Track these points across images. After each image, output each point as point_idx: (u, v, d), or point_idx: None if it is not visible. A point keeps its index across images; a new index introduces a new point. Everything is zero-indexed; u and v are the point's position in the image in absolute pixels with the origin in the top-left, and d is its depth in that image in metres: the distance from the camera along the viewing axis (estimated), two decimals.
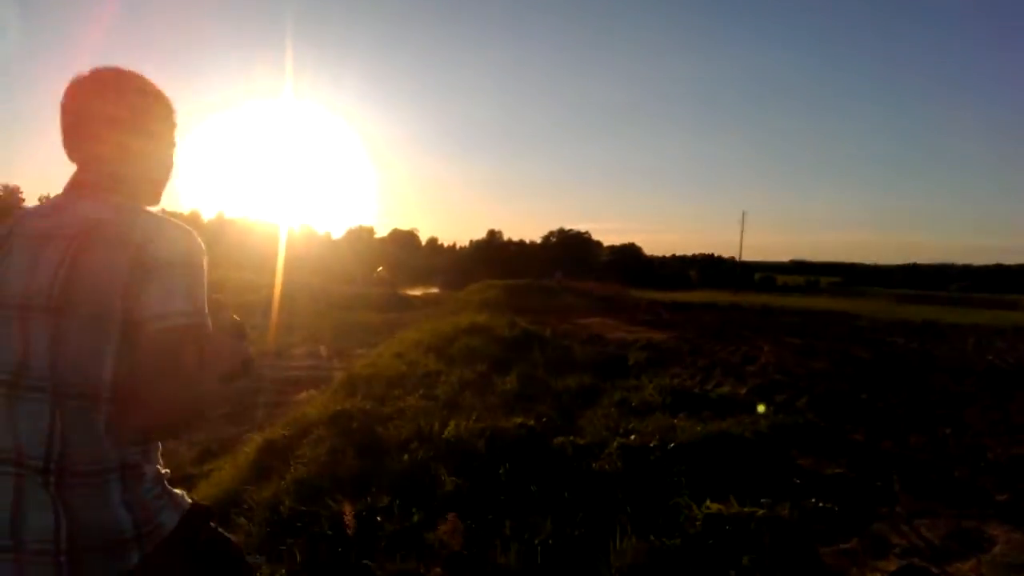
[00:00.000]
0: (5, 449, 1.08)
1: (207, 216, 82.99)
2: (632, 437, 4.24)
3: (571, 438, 4.35)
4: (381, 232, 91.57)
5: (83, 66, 1.26)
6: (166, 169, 1.36)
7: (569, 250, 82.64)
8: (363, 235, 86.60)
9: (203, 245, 1.23)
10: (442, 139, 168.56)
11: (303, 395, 8.17)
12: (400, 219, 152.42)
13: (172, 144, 1.36)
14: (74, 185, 1.23)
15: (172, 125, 1.35)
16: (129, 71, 1.28)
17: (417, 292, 37.13)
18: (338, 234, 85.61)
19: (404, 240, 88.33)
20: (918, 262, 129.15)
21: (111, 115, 1.23)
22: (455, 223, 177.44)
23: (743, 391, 6.41)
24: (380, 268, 49.48)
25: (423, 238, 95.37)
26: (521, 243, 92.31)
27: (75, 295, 1.09)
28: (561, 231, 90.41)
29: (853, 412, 5.55)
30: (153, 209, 1.26)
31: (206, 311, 1.17)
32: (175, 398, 1.12)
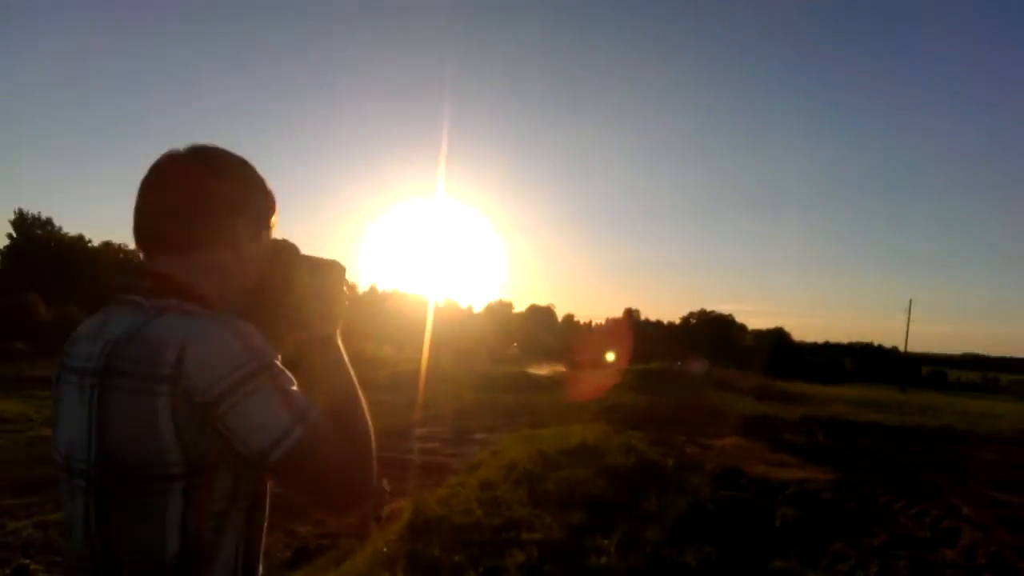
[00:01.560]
0: None
1: (362, 287, 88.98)
2: None
3: None
4: (520, 307, 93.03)
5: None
6: (240, 271, 1.06)
7: (710, 333, 79.02)
8: (502, 309, 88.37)
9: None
10: (583, 215, 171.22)
11: (393, 505, 7.86)
12: (538, 295, 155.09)
13: (254, 241, 1.07)
14: (116, 288, 1.02)
15: (257, 220, 1.08)
16: (223, 152, 1.06)
17: (544, 371, 36.67)
18: (479, 307, 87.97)
19: (541, 316, 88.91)
20: None
21: (179, 198, 1.01)
22: (592, 300, 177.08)
23: None
24: (515, 344, 50.01)
25: (559, 314, 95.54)
26: (659, 323, 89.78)
27: (112, 455, 0.89)
28: (702, 312, 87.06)
29: None
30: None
31: (306, 401, 0.94)
32: (339, 480, 0.97)
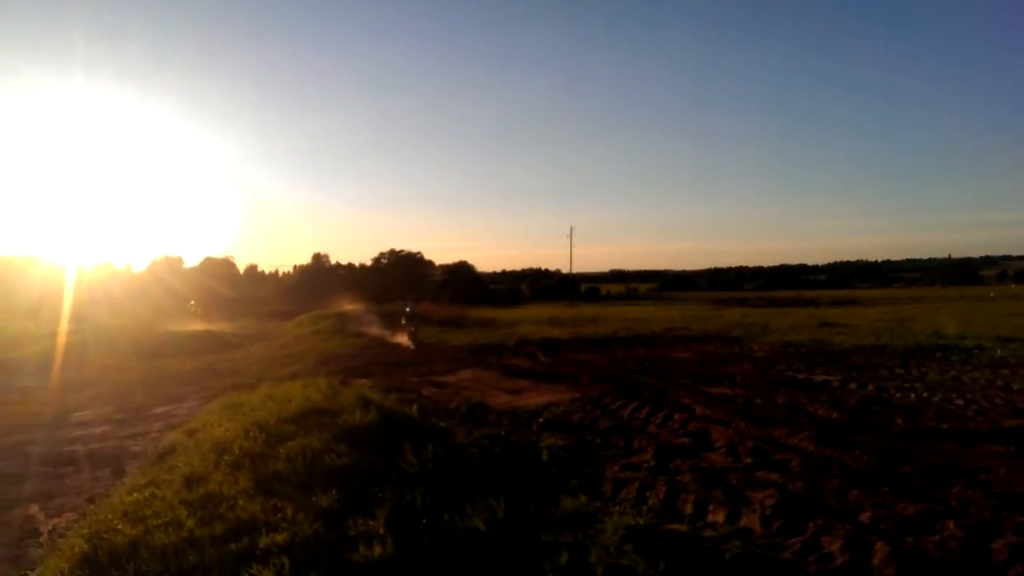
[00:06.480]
0: None
1: None
2: None
3: None
4: (192, 261, 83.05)
5: None
6: None
7: (402, 271, 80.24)
8: (170, 265, 77.92)
9: None
10: (261, 160, 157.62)
11: (59, 520, 5.80)
12: (213, 246, 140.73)
13: None
14: None
15: None
16: None
17: (231, 328, 33.05)
18: (141, 267, 76.27)
19: (219, 269, 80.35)
20: (717, 266, 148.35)
21: None
22: (277, 249, 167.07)
23: (758, 527, 4.11)
24: (192, 302, 44.28)
25: (241, 266, 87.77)
26: (351, 266, 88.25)
27: None
28: (392, 252, 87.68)
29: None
30: None
31: None
32: None
